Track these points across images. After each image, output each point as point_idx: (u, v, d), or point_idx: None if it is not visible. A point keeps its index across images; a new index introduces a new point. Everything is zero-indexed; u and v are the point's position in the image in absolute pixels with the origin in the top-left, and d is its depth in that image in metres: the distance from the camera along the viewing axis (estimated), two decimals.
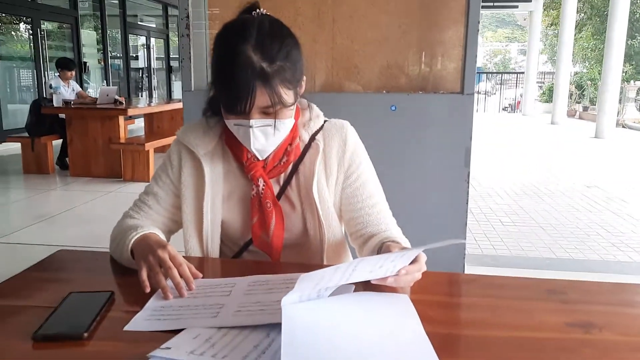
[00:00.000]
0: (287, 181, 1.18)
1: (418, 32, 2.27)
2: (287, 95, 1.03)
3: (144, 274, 0.95)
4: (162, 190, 1.20)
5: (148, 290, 0.94)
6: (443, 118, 2.21)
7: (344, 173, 1.18)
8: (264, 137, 1.06)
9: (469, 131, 2.19)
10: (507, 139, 10.61)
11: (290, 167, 1.17)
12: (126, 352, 0.77)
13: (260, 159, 1.11)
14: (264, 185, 1.14)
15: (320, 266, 1.12)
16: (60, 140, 6.18)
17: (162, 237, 1.11)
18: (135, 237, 1.06)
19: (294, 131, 1.15)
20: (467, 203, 2.23)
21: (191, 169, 1.18)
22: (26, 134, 6.06)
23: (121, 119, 5.80)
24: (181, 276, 0.95)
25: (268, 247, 1.16)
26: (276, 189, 1.17)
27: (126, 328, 0.82)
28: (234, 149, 1.16)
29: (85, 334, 0.80)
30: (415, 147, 2.24)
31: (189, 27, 2.21)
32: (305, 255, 1.20)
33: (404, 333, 0.79)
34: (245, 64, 0.98)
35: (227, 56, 1.00)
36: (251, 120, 1.02)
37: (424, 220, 2.21)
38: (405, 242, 1.13)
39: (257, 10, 1.06)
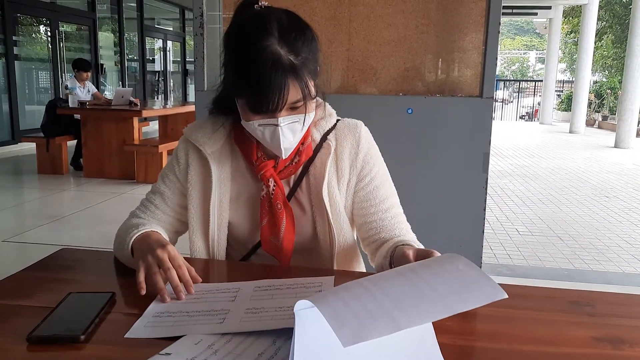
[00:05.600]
0: (297, 182, 1.13)
1: (436, 33, 2.22)
2: (313, 87, 0.99)
3: (142, 275, 0.91)
4: (168, 189, 1.16)
5: (143, 292, 0.90)
6: (461, 122, 2.16)
7: (357, 175, 1.13)
8: (291, 135, 1.00)
9: (487, 136, 2.13)
10: (524, 147, 10.48)
11: (300, 168, 1.13)
12: (124, 358, 0.72)
13: (284, 157, 1.05)
14: (274, 185, 1.09)
15: (330, 272, 1.07)
16: (75, 141, 6.22)
17: (165, 236, 1.07)
18: (136, 236, 1.02)
19: (307, 130, 1.10)
20: (484, 210, 2.16)
21: (198, 167, 1.14)
22: (41, 134, 6.10)
23: (135, 120, 5.81)
24: (180, 279, 0.91)
25: (278, 251, 1.11)
26: (286, 191, 1.13)
27: (127, 336, 0.78)
28: (243, 148, 1.12)
29: (82, 337, 0.76)
30: (432, 151, 2.18)
31: (202, 26, 2.19)
32: (315, 261, 1.15)
33: (418, 343, 0.74)
34: (273, 60, 0.92)
35: (249, 53, 0.94)
36: (279, 119, 0.97)
37: (439, 226, 2.15)
38: (419, 246, 1.07)
39: (260, 3, 1.01)
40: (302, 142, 1.10)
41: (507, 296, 0.67)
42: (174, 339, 0.75)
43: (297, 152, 1.10)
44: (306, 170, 1.13)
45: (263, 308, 0.85)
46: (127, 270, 1.03)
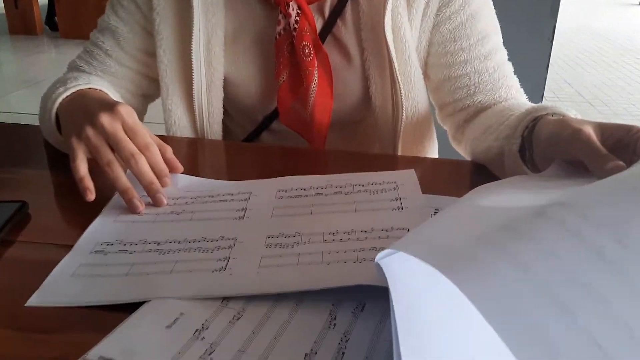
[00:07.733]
0: (337, 11, 0.68)
1: None
2: None
3: (82, 166, 0.50)
4: (124, 24, 0.71)
5: (91, 197, 0.49)
6: None
7: None
8: None
9: None
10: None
11: None
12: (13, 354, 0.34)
13: None
14: (298, 14, 0.64)
15: (392, 159, 0.67)
16: None
17: (117, 99, 0.63)
18: (63, 96, 0.59)
19: None
20: (547, 69, 1.73)
21: None
22: None
23: None
24: (152, 168, 0.51)
25: (305, 125, 0.70)
26: (318, 25, 0.68)
27: (28, 304, 0.39)
28: None
29: None
30: None
31: None
32: (364, 141, 0.74)
33: None
34: None
35: None
36: None
37: None
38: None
39: None
40: None
41: None
42: (130, 308, 0.36)
43: None
44: None
45: (300, 234, 0.45)
46: (60, 157, 0.62)
